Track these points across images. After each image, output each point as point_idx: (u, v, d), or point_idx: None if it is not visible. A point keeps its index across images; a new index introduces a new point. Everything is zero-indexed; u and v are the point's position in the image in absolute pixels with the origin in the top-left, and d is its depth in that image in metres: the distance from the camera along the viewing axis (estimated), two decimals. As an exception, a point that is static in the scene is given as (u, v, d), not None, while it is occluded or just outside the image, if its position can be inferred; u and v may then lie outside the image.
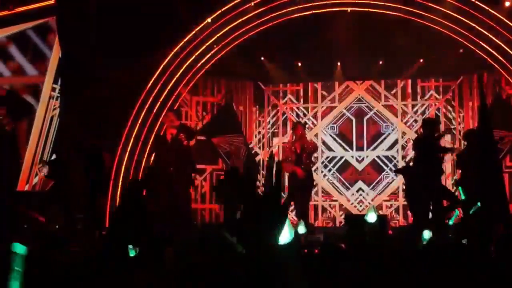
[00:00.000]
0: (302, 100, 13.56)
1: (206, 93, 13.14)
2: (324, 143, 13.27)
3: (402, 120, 13.19)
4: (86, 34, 10.60)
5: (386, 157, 13.13)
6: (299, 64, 12.75)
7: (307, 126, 12.94)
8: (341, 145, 13.27)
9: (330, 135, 13.31)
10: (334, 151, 13.26)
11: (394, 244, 6.47)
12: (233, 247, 2.29)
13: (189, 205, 8.67)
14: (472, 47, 11.24)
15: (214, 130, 12.53)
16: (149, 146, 11.30)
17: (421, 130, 9.70)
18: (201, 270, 2.01)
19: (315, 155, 9.98)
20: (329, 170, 13.23)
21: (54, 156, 9.01)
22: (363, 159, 13.22)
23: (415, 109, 13.20)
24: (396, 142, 13.08)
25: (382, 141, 13.18)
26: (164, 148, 8.08)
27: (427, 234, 6.77)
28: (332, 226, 12.67)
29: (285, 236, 2.37)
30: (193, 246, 2.13)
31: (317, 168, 12.84)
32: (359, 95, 13.35)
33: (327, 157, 13.27)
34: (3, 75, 11.08)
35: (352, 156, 13.26)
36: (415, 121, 13.09)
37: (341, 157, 13.24)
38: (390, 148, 13.12)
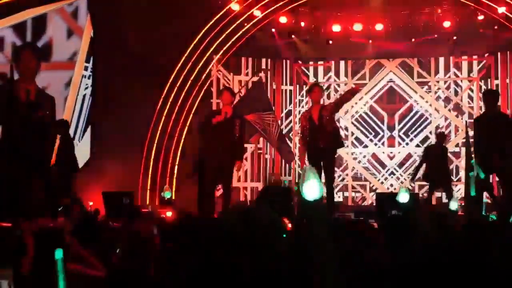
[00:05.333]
0: (332, 78, 13.45)
1: (248, 72, 13.11)
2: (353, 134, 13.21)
3: (434, 98, 13.03)
4: (118, 12, 10.63)
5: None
6: (330, 42, 12.63)
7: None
8: (371, 140, 13.21)
9: (358, 121, 13.21)
10: (365, 145, 13.19)
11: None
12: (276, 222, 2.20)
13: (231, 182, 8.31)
14: (507, 23, 11.06)
15: (246, 107, 12.50)
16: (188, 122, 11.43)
17: None
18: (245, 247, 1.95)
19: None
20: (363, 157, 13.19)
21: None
22: (394, 156, 13.16)
23: (447, 86, 13.03)
24: (427, 120, 12.94)
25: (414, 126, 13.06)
26: (213, 125, 7.64)
27: (453, 205, 6.77)
28: (363, 204, 12.63)
29: (314, 193, 2.13)
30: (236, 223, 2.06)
31: (347, 146, 12.73)
32: (390, 71, 13.20)
33: (354, 153, 13.22)
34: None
35: (383, 152, 13.19)
36: (448, 98, 12.95)
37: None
38: (423, 128, 12.96)
